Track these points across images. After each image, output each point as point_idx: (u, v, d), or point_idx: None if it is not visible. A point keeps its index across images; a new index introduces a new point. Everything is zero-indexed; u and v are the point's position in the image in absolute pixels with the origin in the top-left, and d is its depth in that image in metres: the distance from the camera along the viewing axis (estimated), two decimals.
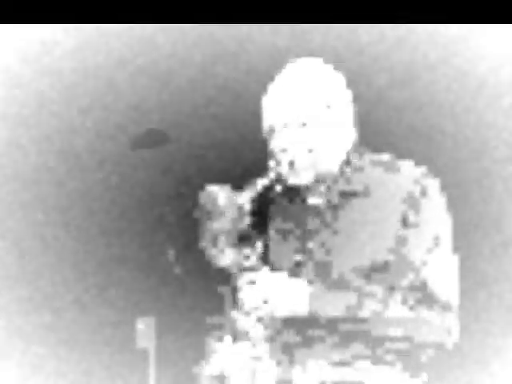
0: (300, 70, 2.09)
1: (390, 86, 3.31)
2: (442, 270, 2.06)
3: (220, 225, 2.41)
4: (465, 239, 3.13)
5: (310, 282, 2.05)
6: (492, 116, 3.25)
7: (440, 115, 3.31)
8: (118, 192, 3.39)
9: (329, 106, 2.07)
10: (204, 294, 3.27)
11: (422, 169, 2.12)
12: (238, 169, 3.26)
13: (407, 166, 2.12)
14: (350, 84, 2.16)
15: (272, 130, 2.08)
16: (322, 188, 2.12)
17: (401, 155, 2.16)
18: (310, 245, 2.11)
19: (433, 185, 2.09)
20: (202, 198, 2.55)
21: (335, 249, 2.07)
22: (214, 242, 2.43)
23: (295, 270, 2.11)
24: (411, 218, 2.05)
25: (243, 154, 3.30)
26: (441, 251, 2.07)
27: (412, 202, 2.06)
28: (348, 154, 2.13)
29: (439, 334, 2.04)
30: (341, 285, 2.05)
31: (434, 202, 2.08)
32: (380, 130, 3.33)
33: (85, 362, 3.46)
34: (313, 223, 2.12)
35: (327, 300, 2.03)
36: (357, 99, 2.14)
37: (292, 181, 2.10)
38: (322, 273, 2.07)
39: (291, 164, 2.07)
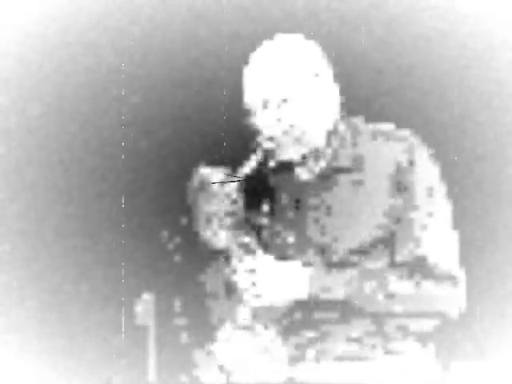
0: (278, 46, 2.07)
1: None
2: (442, 242, 2.04)
3: (213, 207, 2.38)
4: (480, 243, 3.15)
5: (308, 264, 2.04)
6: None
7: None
8: (115, 174, 3.38)
9: (308, 81, 2.05)
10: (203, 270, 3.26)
11: (411, 137, 2.10)
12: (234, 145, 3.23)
13: (396, 136, 2.10)
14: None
15: (254, 108, 2.08)
16: (311, 163, 2.11)
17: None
18: (304, 224, 2.09)
19: (422, 154, 2.07)
20: (195, 180, 2.52)
21: (331, 228, 2.06)
22: (208, 224, 2.40)
23: (290, 250, 2.10)
24: (404, 187, 2.03)
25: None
26: (439, 220, 2.05)
27: (403, 173, 2.04)
28: (334, 125, 2.11)
29: (444, 305, 2.03)
30: (340, 264, 2.04)
31: (425, 169, 2.06)
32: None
33: (84, 340, 3.46)
34: (305, 201, 2.11)
35: (327, 282, 2.01)
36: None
37: (281, 157, 2.10)
38: (320, 253, 2.06)
39: (271, 139, 2.06)
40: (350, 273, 2.01)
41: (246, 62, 2.14)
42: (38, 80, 3.38)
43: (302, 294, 1.99)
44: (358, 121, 2.16)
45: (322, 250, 2.05)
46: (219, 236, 2.29)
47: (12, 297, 3.43)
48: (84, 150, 3.39)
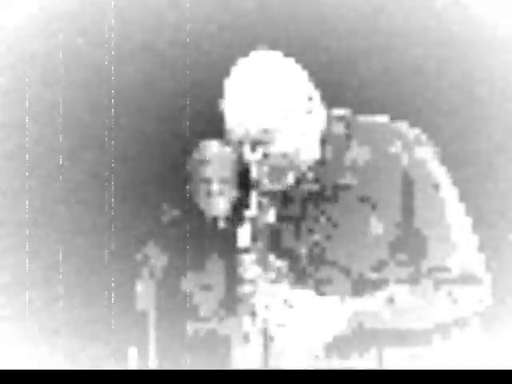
0: (257, 71, 1.91)
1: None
2: (462, 244, 1.94)
3: (212, 174, 2.37)
4: None
5: (328, 282, 1.94)
6: None
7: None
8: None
9: (290, 110, 1.91)
10: (204, 254, 3.24)
11: (412, 133, 1.99)
12: None
13: (397, 134, 1.96)
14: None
15: (239, 141, 1.96)
16: (311, 176, 1.99)
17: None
18: (315, 240, 1.98)
19: (422, 150, 1.97)
20: (197, 152, 2.53)
21: (343, 244, 1.95)
22: (207, 191, 2.39)
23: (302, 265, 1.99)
24: (410, 190, 1.92)
25: None
26: (454, 221, 1.94)
27: (406, 175, 1.93)
28: (326, 130, 1.99)
29: (471, 307, 1.95)
30: (363, 284, 1.94)
31: (429, 166, 1.95)
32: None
33: (84, 325, 3.44)
34: (313, 217, 1.99)
35: (362, 315, 1.89)
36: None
37: (272, 187, 2.00)
38: (344, 274, 1.95)
39: (269, 174, 1.95)
40: (383, 300, 1.90)
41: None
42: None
43: (341, 328, 1.87)
44: (350, 118, 2.02)
45: (346, 272, 1.93)
46: (217, 203, 2.27)
47: (11, 291, 3.42)
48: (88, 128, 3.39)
